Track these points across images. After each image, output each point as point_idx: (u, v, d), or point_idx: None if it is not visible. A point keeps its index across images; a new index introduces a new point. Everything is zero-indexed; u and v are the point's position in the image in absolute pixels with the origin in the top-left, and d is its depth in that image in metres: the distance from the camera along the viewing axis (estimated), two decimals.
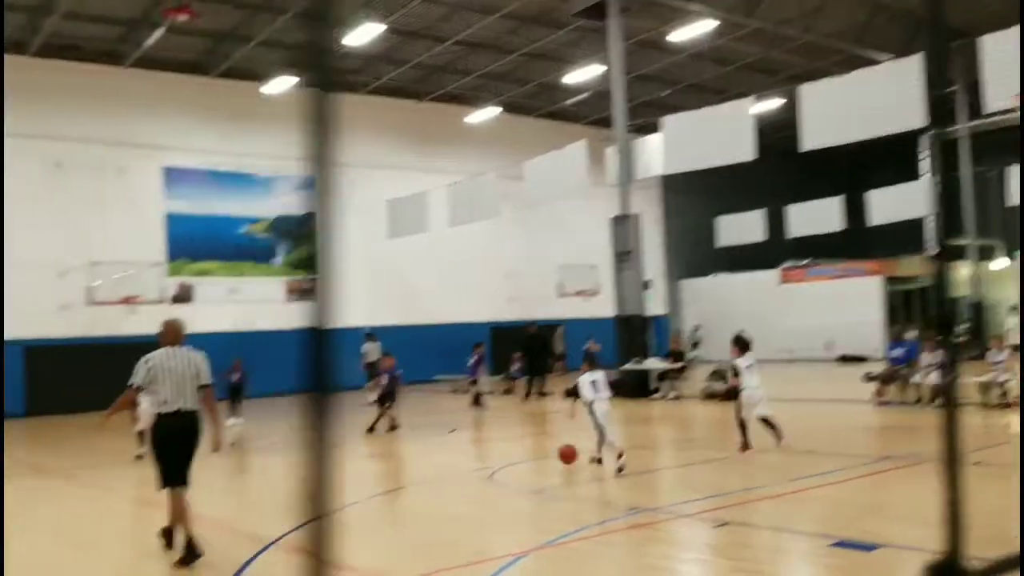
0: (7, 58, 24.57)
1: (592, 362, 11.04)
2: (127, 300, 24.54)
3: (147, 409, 10.51)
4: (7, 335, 23.76)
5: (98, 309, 24.80)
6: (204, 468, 12.91)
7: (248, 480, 11.92)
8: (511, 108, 33.69)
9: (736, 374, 11.63)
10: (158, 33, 23.53)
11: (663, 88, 32.00)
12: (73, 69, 25.56)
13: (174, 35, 24.93)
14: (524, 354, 24.12)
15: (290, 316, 28.85)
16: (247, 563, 6.83)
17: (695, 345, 31.34)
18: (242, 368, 18.38)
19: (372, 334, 24.20)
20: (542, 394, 22.64)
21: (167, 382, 7.17)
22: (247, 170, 28.84)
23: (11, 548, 7.95)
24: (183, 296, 27.35)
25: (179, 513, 7.19)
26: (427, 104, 32.35)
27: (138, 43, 24.85)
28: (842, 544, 6.51)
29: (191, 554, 6.95)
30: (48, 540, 8.35)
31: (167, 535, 7.43)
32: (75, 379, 23.55)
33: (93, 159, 25.70)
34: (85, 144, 25.58)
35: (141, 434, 12.22)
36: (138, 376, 7.25)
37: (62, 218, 24.88)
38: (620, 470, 9.73)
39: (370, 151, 31.04)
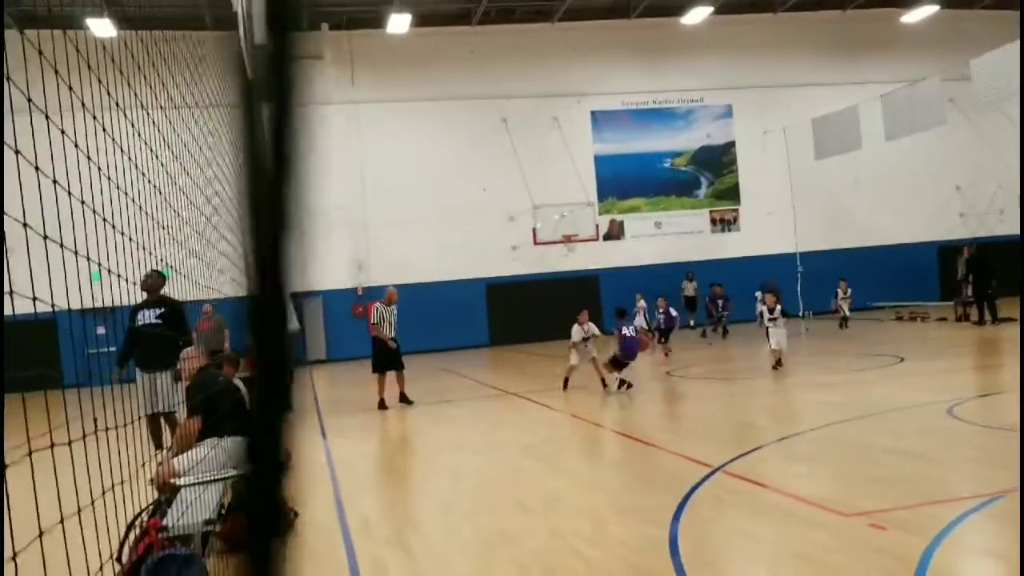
0: (452, 29, 27.54)
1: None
2: (565, 239, 26.49)
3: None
4: (471, 275, 27.07)
5: (542, 248, 27.11)
6: (647, 398, 13.59)
7: (688, 408, 12.32)
8: (952, 2, 29.95)
9: None
10: None
11: None
12: (510, 31, 27.90)
13: None
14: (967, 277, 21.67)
15: (714, 246, 29.00)
16: (695, 487, 7.08)
17: None
18: (723, 294, 23.35)
19: (691, 273, 26.25)
20: (996, 320, 20.24)
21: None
22: (666, 105, 29.29)
23: (482, 459, 9.12)
24: (614, 233, 28.79)
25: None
26: (852, 12, 29.99)
27: None
28: None
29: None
30: (515, 453, 9.42)
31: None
32: (527, 312, 26.17)
33: (531, 111, 27.96)
34: (524, 99, 27.90)
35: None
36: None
37: (508, 167, 27.48)
38: None
39: (792, 70, 29.74)
